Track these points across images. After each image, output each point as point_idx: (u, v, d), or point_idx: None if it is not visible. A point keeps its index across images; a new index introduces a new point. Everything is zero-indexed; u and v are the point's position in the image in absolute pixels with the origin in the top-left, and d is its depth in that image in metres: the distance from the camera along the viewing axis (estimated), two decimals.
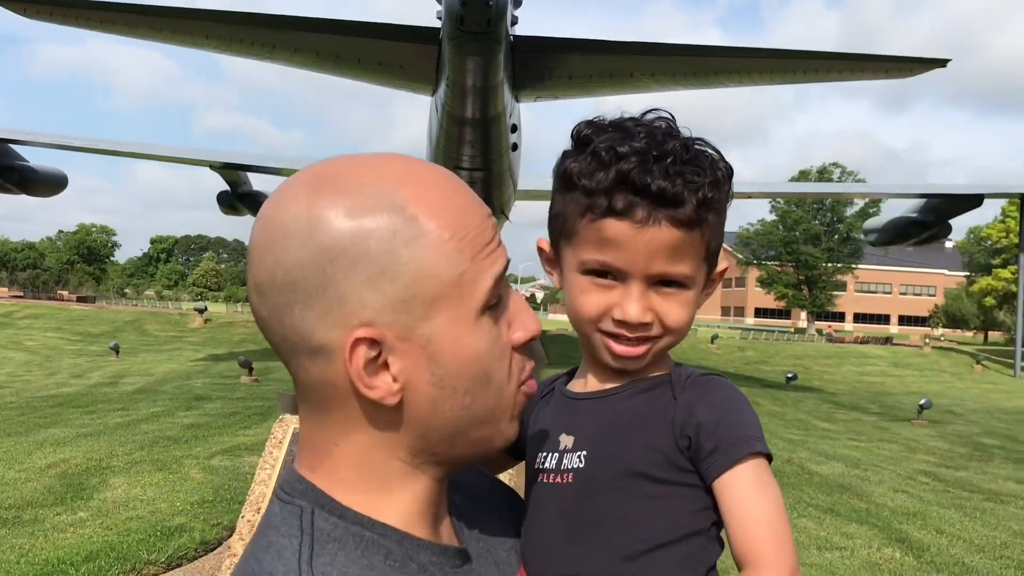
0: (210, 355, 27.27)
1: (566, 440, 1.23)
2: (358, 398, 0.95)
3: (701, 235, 1.15)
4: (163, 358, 26.09)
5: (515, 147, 19.02)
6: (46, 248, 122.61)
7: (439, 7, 14.21)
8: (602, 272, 1.17)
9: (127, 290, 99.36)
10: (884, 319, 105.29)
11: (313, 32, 16.74)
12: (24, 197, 31.33)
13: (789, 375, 29.53)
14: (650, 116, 1.18)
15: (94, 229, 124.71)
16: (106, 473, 8.83)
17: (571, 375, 1.36)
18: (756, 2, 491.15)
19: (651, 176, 1.10)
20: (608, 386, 1.25)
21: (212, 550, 6.42)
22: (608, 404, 1.23)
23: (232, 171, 32.06)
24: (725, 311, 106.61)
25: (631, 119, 1.18)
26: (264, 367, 20.87)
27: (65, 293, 66.37)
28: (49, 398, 15.90)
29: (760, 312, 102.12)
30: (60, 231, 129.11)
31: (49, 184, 31.16)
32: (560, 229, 1.22)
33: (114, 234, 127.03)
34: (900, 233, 34.37)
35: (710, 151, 1.16)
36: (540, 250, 1.31)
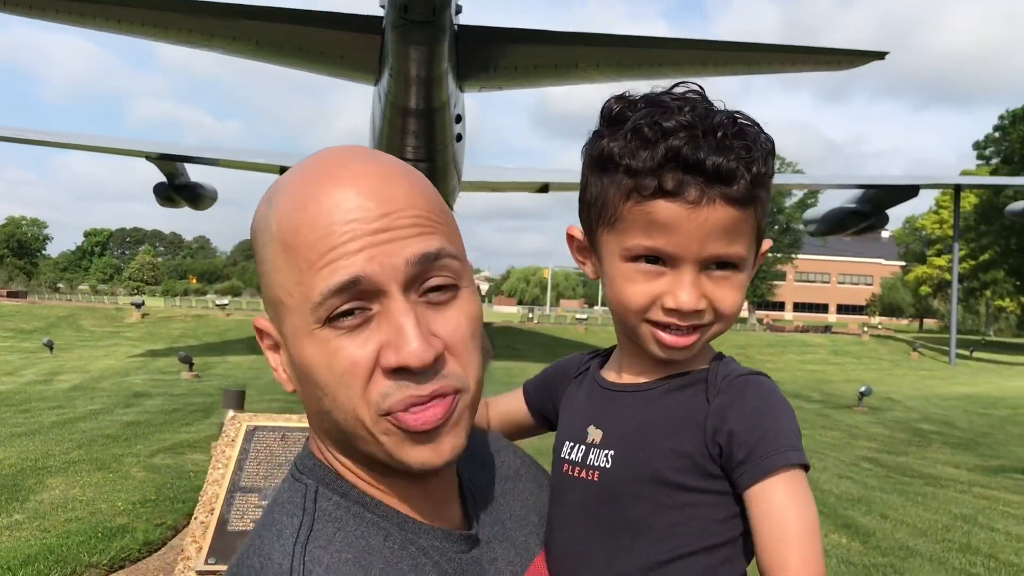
0: (149, 351, 26.61)
1: (594, 433, 1.18)
2: None
3: (754, 212, 1.08)
4: (100, 354, 25.35)
5: (459, 137, 19.01)
6: None
7: None
8: (650, 258, 1.09)
9: (60, 284, 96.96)
10: (823, 308, 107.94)
11: (252, 20, 16.42)
12: None
13: None
14: (680, 89, 1.11)
15: (24, 222, 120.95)
16: (42, 473, 8.55)
17: (607, 356, 1.31)
18: None
19: (703, 151, 1.02)
20: (642, 380, 1.20)
21: (156, 551, 6.24)
22: (641, 401, 1.17)
23: (169, 162, 31.61)
24: None
25: (665, 92, 1.10)
26: (204, 363, 20.46)
27: None
28: None
29: None
30: None
31: None
32: (598, 215, 1.13)
33: (46, 227, 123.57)
34: (839, 223, 35.33)
35: (752, 124, 1.09)
36: (570, 238, 1.22)
